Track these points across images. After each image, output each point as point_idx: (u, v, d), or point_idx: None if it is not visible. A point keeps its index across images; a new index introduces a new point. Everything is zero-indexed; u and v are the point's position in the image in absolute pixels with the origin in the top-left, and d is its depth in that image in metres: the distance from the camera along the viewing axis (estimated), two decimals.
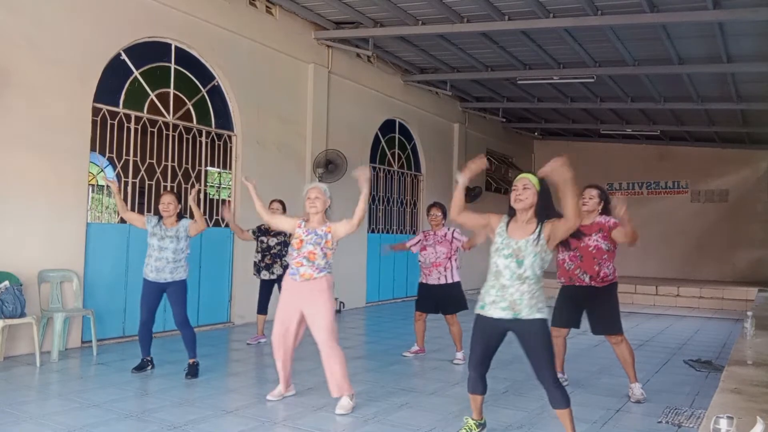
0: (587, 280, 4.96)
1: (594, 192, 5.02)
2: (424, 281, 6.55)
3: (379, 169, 12.02)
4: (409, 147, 13.03)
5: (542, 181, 3.54)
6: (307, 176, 9.78)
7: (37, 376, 5.42)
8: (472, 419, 3.88)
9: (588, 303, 5.03)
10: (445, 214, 6.50)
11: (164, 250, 5.47)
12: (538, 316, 3.46)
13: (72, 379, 5.46)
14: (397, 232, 12.56)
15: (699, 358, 6.87)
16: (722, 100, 12.17)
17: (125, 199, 7.38)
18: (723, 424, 1.97)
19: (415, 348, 6.83)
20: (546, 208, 3.54)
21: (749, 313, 5.34)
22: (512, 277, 3.46)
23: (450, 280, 6.42)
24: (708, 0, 7.43)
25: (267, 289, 7.24)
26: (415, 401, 4.84)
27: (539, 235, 3.46)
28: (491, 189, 16.17)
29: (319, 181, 9.72)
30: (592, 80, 10.87)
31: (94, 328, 6.34)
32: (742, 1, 7.54)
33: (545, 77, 11.16)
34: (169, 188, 7.83)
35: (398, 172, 12.63)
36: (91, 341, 6.34)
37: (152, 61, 7.63)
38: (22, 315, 5.68)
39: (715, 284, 14.09)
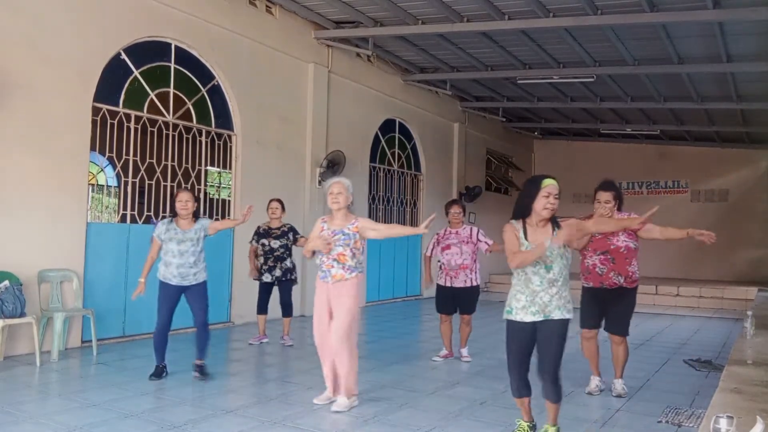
0: (621, 281, 4.92)
1: (609, 196, 4.89)
2: (448, 284, 6.31)
3: (379, 168, 12.01)
4: (409, 146, 13.02)
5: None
6: (307, 176, 9.78)
7: (37, 375, 5.42)
8: (524, 421, 3.86)
9: (612, 303, 4.99)
10: (465, 212, 6.43)
11: (185, 254, 5.29)
12: (567, 316, 3.60)
13: (72, 378, 5.46)
14: None
15: (699, 357, 6.88)
16: (722, 99, 12.16)
17: (125, 200, 7.39)
18: (723, 423, 1.96)
19: (444, 352, 6.55)
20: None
21: (749, 313, 5.33)
22: (542, 283, 3.55)
23: (474, 283, 6.30)
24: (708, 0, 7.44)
25: (266, 291, 7.22)
26: (415, 401, 4.84)
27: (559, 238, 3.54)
28: (491, 189, 16.18)
29: (320, 179, 9.72)
30: (591, 80, 10.86)
31: (94, 328, 6.33)
32: (742, 1, 7.53)
33: (545, 77, 11.15)
34: (170, 188, 7.84)
35: (398, 171, 12.63)
36: (91, 341, 6.34)
37: (152, 61, 7.62)
38: (22, 315, 5.68)
39: (714, 284, 14.10)
